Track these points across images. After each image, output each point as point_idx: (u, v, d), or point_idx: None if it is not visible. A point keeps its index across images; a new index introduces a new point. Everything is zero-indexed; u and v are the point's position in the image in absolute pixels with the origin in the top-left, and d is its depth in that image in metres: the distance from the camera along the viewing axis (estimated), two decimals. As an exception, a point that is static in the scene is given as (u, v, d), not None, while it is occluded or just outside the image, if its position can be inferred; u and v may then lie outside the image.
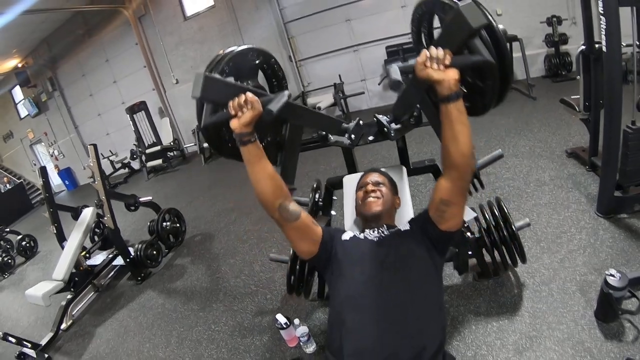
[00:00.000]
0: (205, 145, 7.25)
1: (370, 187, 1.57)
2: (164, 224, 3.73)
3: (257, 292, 2.73)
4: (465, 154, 1.16)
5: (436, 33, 1.35)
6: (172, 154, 8.06)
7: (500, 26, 1.15)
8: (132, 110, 7.65)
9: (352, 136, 1.89)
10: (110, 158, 8.07)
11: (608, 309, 1.58)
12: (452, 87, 1.09)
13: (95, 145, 3.09)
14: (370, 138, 1.95)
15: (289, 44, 7.47)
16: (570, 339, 1.66)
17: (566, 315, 1.78)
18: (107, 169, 7.50)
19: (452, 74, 1.08)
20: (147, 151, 7.62)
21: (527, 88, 5.38)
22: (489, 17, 1.11)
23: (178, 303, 2.90)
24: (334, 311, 1.34)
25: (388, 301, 1.26)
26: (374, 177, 1.63)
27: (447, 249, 1.45)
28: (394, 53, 6.55)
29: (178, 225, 3.93)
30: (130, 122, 7.59)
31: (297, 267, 2.21)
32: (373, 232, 1.47)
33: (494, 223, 1.98)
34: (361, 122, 1.90)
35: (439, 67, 1.07)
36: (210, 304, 2.77)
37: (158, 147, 7.72)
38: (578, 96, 3.11)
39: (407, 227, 1.44)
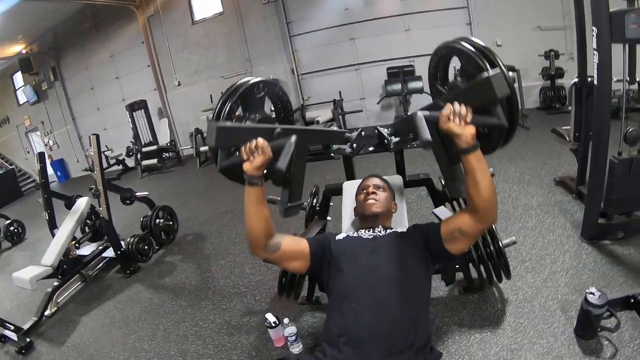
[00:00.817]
0: (202, 148, 7.31)
1: (371, 190, 1.67)
2: (157, 220, 3.75)
3: (246, 293, 2.76)
4: (487, 199, 1.24)
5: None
6: (167, 154, 8.08)
7: (510, 73, 1.23)
8: (132, 107, 7.68)
9: (354, 145, 1.99)
10: (106, 153, 8.05)
11: (587, 326, 1.65)
12: (470, 141, 1.19)
13: (97, 136, 3.12)
14: (371, 149, 2.05)
15: (293, 57, 7.63)
16: (550, 353, 1.72)
17: (547, 331, 1.85)
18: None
19: (470, 130, 1.18)
20: (143, 149, 7.63)
21: (522, 118, 5.55)
22: (511, 86, 1.20)
23: (166, 298, 2.91)
24: (332, 301, 1.41)
25: (382, 292, 1.33)
26: (375, 181, 1.73)
27: (439, 261, 1.53)
28: (395, 75, 6.72)
29: (171, 223, 3.95)
30: (129, 119, 7.61)
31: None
32: (368, 231, 1.56)
33: (481, 239, 2.06)
34: (363, 132, 1.99)
35: (460, 123, 1.17)
36: (198, 301, 2.78)
37: (154, 147, 7.74)
38: (569, 127, 3.25)
39: (404, 230, 1.51)
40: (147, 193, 3.84)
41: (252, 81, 1.57)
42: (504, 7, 6.60)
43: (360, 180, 1.89)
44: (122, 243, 3.36)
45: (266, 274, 2.94)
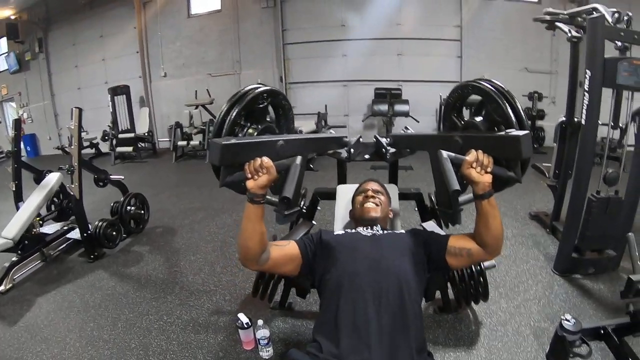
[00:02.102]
0: (180, 143, 7.20)
1: (370, 194, 1.67)
2: (129, 207, 3.60)
3: (216, 292, 2.67)
4: (496, 237, 1.33)
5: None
6: (143, 144, 7.86)
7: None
8: (115, 91, 7.44)
9: (351, 150, 1.99)
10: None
11: (560, 352, 1.68)
12: (486, 188, 1.26)
13: (80, 109, 2.97)
14: (367, 156, 2.06)
15: (284, 65, 7.66)
16: (523, 375, 1.74)
17: (520, 354, 1.88)
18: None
19: (487, 178, 1.26)
20: (120, 136, 7.38)
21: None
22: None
23: (130, 288, 2.77)
24: (328, 292, 1.37)
25: (382, 286, 1.31)
26: (374, 185, 1.73)
27: (434, 271, 1.54)
28: (382, 96, 6.84)
29: (142, 212, 3.80)
30: (110, 102, 7.36)
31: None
32: (366, 229, 1.56)
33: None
34: (361, 139, 2.00)
35: (480, 172, 1.24)
36: (164, 295, 2.66)
37: (132, 135, 7.51)
38: (549, 164, 3.39)
39: (402, 231, 1.51)
40: (122, 177, 3.69)
41: (257, 90, 1.54)
42: (495, 45, 6.92)
43: (357, 184, 1.88)
44: (89, 226, 3.19)
45: (237, 274, 2.87)
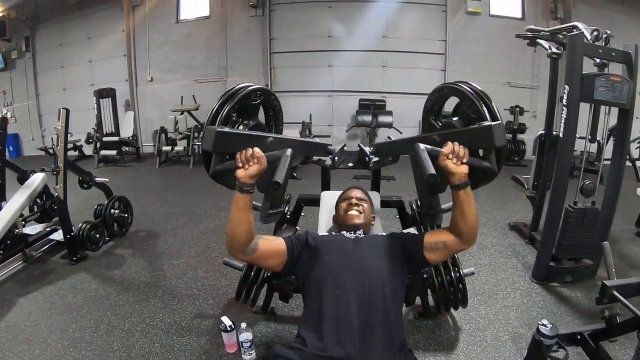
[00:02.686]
0: (164, 148, 7.13)
1: (354, 201, 1.71)
2: (113, 210, 3.56)
3: (199, 296, 2.66)
4: (472, 226, 1.38)
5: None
6: (127, 148, 7.76)
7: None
8: (101, 94, 7.34)
9: (335, 158, 2.03)
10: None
11: (538, 356, 1.73)
12: (462, 179, 1.31)
13: (67, 110, 2.95)
14: (350, 164, 2.11)
15: (270, 73, 7.70)
16: (501, 380, 1.78)
17: (498, 359, 1.92)
18: (59, 146, 7.06)
19: (464, 169, 1.30)
20: (104, 139, 7.28)
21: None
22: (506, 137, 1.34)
23: (113, 291, 2.74)
24: (313, 290, 1.40)
25: (365, 284, 1.35)
26: (358, 193, 1.78)
27: (414, 270, 1.60)
28: (366, 107, 6.91)
29: (126, 215, 3.77)
30: (95, 105, 7.26)
31: (251, 275, 2.23)
32: (349, 233, 1.61)
33: (442, 266, 2.13)
34: (345, 147, 2.05)
35: (457, 163, 1.29)
36: (147, 298, 2.64)
37: (116, 138, 7.41)
38: (529, 176, 3.49)
39: (384, 234, 1.55)
40: (107, 180, 3.66)
41: (250, 87, 1.59)
42: (479, 60, 7.11)
43: (340, 191, 1.92)
44: (73, 228, 3.14)
45: (220, 279, 2.87)
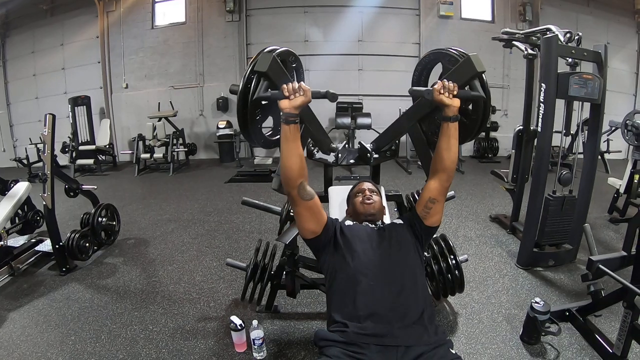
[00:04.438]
0: (142, 156, 7.03)
1: (367, 193, 1.81)
2: (100, 218, 3.50)
3: (199, 300, 2.67)
4: (454, 160, 1.54)
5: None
6: (103, 157, 7.58)
7: None
8: (76, 102, 7.14)
9: (339, 155, 2.13)
10: (39, 146, 7.30)
11: (532, 331, 1.88)
12: (455, 112, 1.46)
13: (54, 115, 2.88)
14: (352, 161, 2.21)
15: (248, 79, 7.71)
16: (502, 356, 1.93)
17: (496, 338, 2.07)
18: (32, 157, 6.84)
19: (456, 102, 1.45)
20: (80, 148, 7.09)
21: (457, 163, 6.13)
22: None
23: (109, 300, 2.70)
24: (345, 280, 1.47)
25: (394, 271, 1.45)
26: (369, 185, 1.88)
27: (427, 242, 1.74)
28: (344, 109, 6.97)
29: (114, 223, 3.71)
30: (70, 113, 7.05)
31: (257, 274, 2.29)
32: (371, 224, 1.70)
33: (440, 254, 2.27)
34: (347, 145, 2.15)
35: (449, 96, 1.42)
36: (146, 305, 2.62)
37: (92, 147, 7.23)
38: (507, 170, 3.69)
39: (401, 221, 1.65)
40: (95, 187, 3.60)
41: (287, 48, 1.72)
42: None
43: (350, 186, 2.01)
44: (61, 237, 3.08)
45: (218, 282, 2.89)
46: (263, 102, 1.60)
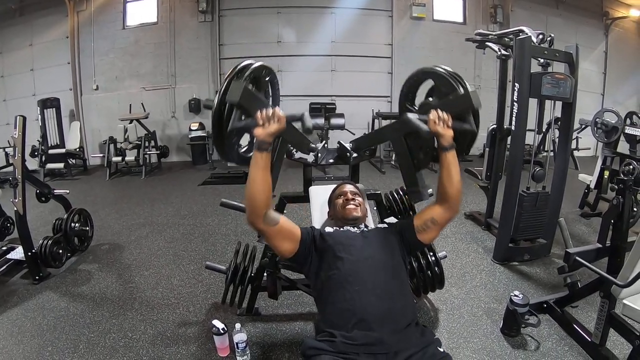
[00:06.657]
0: (114, 159, 6.86)
1: (350, 196, 1.79)
2: (73, 224, 3.38)
3: (178, 305, 2.61)
4: (458, 189, 1.51)
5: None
6: (73, 161, 7.34)
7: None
8: (45, 104, 6.88)
9: (318, 155, 2.12)
10: (7, 150, 6.98)
11: (512, 324, 1.93)
12: (450, 140, 1.46)
13: (24, 117, 2.77)
14: (331, 160, 2.20)
15: (220, 79, 7.62)
16: (484, 349, 1.99)
17: (478, 332, 2.12)
18: (1, 161, 6.56)
19: (450, 132, 1.46)
20: (50, 152, 6.82)
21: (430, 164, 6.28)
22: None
23: (85, 308, 2.61)
24: (331, 287, 1.46)
25: (380, 276, 1.45)
26: (351, 188, 1.86)
27: (413, 253, 1.74)
28: (317, 110, 6.93)
29: (87, 228, 3.59)
30: (40, 116, 6.78)
31: (237, 277, 2.26)
32: (353, 228, 1.68)
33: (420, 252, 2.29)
34: (326, 145, 2.15)
35: (443, 126, 1.43)
36: (124, 312, 2.55)
37: (62, 150, 6.99)
38: (481, 168, 3.79)
39: (385, 226, 1.66)
40: (67, 191, 3.47)
41: (260, 63, 1.64)
42: (424, 63, 7.05)
43: (332, 186, 2.00)
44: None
45: (196, 286, 2.85)
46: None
